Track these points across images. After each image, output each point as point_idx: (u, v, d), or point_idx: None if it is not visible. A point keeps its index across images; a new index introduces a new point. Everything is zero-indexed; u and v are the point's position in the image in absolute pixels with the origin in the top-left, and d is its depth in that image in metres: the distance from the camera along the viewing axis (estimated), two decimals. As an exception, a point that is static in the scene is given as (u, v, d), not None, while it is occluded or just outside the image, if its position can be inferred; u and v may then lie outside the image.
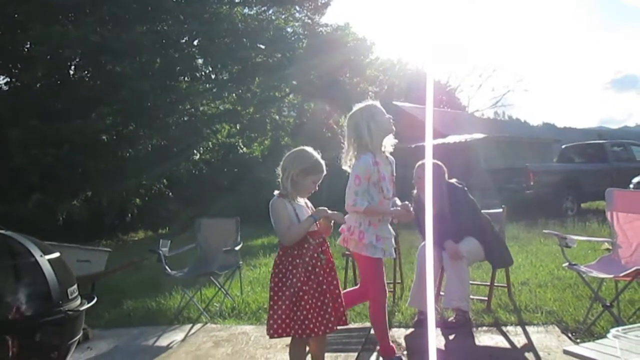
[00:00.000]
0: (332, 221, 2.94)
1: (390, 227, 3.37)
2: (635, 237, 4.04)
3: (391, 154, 3.44)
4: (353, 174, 3.22)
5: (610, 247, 4.27)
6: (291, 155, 2.92)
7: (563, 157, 14.48)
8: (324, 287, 2.81)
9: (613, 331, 1.57)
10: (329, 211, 2.89)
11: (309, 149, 2.93)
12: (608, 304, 3.71)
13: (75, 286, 3.36)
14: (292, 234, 2.79)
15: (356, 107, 3.39)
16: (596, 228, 8.40)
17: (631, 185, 10.06)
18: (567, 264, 3.91)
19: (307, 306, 2.75)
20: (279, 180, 2.91)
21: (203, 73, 16.64)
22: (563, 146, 15.51)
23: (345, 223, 3.11)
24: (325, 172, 2.91)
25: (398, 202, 3.38)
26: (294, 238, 2.80)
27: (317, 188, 2.93)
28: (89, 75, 15.21)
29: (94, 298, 3.46)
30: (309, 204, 3.00)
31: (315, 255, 2.83)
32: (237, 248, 5.32)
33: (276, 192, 2.91)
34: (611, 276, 3.77)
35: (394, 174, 3.40)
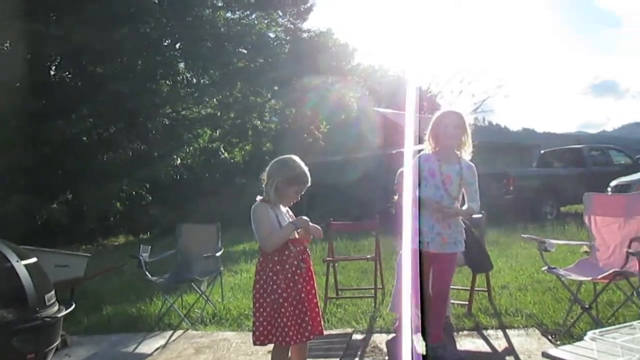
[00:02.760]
0: (311, 236, 2.94)
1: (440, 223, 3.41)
2: (612, 240, 4.11)
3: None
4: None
5: (589, 250, 4.33)
6: (277, 163, 2.92)
7: (542, 162, 14.67)
8: (303, 295, 2.82)
9: (590, 334, 1.60)
10: (310, 223, 2.88)
11: (296, 159, 2.92)
12: (587, 306, 3.76)
13: (53, 292, 3.30)
14: (273, 240, 2.79)
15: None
16: (575, 231, 8.51)
17: (609, 189, 10.23)
18: (546, 267, 3.96)
19: (288, 314, 2.74)
20: (263, 186, 2.90)
21: (184, 77, 16.55)
22: (542, 151, 15.73)
23: (320, 237, 3.11)
24: (309, 184, 2.90)
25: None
26: (275, 244, 2.79)
27: (299, 198, 2.93)
28: (69, 75, 15.02)
29: (72, 304, 3.40)
30: (290, 212, 3.00)
31: (296, 263, 2.82)
32: (218, 254, 5.28)
33: (259, 198, 2.90)
34: (589, 279, 3.83)
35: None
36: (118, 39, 12.71)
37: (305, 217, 2.87)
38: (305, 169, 2.89)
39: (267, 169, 2.92)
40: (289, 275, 2.79)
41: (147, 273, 4.92)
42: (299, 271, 2.82)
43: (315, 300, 2.91)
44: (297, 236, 2.87)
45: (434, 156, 3.42)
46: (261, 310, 2.78)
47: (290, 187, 2.85)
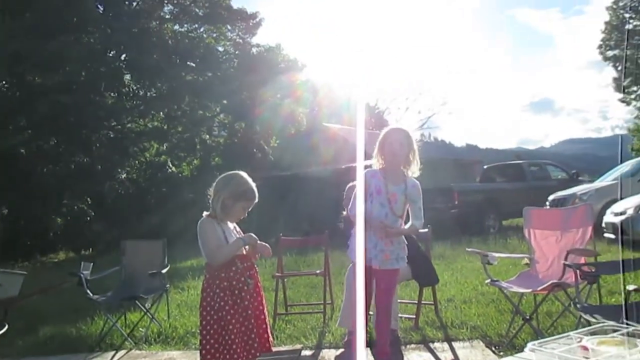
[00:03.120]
0: (259, 254, 2.91)
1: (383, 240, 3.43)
2: (551, 252, 4.28)
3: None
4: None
5: (529, 263, 4.49)
6: (224, 179, 2.89)
7: (485, 177, 15.16)
8: (249, 312, 2.79)
9: (530, 345, 1.64)
10: (259, 241, 2.86)
11: (244, 175, 2.90)
12: (528, 317, 3.88)
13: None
14: (220, 254, 2.75)
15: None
16: (516, 244, 8.80)
17: (547, 203, 10.67)
18: (489, 280, 4.07)
19: (235, 330, 2.71)
20: (210, 201, 2.87)
21: (130, 89, 16.17)
22: (485, 166, 16.26)
23: (268, 256, 3.09)
24: (257, 200, 2.88)
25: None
26: (222, 258, 2.76)
27: (246, 214, 2.90)
28: (6, 85, 14.39)
29: (4, 325, 3.23)
30: (238, 228, 2.97)
31: (242, 279, 2.79)
32: (164, 271, 5.14)
33: (205, 213, 2.87)
34: (530, 290, 3.96)
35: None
36: (60, 49, 12.31)
37: (253, 235, 2.85)
38: (253, 185, 2.87)
39: (214, 184, 2.88)
40: (236, 292, 2.76)
41: (88, 291, 4.73)
42: (245, 287, 2.79)
43: (262, 317, 2.88)
44: (244, 252, 2.84)
45: (381, 173, 3.47)
46: (208, 327, 2.73)
47: (236, 203, 2.82)
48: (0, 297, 4.50)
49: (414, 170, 3.48)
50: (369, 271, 3.39)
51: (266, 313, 2.94)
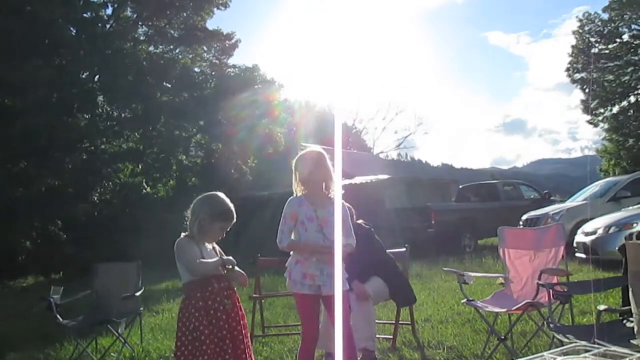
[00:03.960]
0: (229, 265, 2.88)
1: (328, 265, 3.29)
2: (525, 271, 4.32)
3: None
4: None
5: (504, 282, 4.53)
6: (202, 200, 2.89)
7: (460, 196, 15.35)
8: (224, 332, 2.75)
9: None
10: (237, 268, 2.84)
11: (221, 195, 2.90)
12: (502, 337, 3.90)
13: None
14: (200, 267, 2.75)
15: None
16: (491, 263, 8.88)
17: (520, 223, 10.83)
18: (465, 300, 4.09)
19: (209, 351, 2.68)
20: (187, 222, 2.86)
21: (104, 110, 16.03)
22: (460, 186, 16.47)
23: (244, 285, 3.05)
24: (235, 220, 2.88)
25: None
26: (202, 271, 2.75)
27: (224, 235, 2.89)
28: (-25, 109, 14.13)
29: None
30: (217, 247, 2.95)
31: (219, 299, 2.77)
32: (137, 293, 5.05)
33: (183, 234, 2.85)
34: (504, 310, 3.99)
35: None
36: (31, 71, 12.16)
37: (232, 259, 2.83)
38: (231, 205, 2.87)
39: (192, 205, 2.88)
40: (211, 312, 2.74)
41: (57, 315, 4.61)
42: (221, 307, 2.76)
43: (241, 337, 2.83)
44: (222, 273, 2.81)
45: (306, 200, 3.37)
46: (182, 349, 2.71)
47: (214, 223, 2.82)
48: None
49: (336, 190, 3.41)
50: (318, 300, 3.34)
51: (246, 334, 2.89)
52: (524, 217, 11.06)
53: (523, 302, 3.77)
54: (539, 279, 3.77)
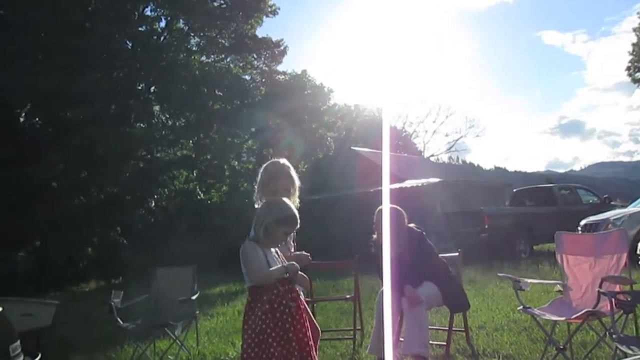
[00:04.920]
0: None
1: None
2: (584, 279, 4.16)
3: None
4: None
5: (562, 290, 4.37)
6: (268, 204, 2.94)
7: (515, 200, 14.92)
8: (290, 335, 2.77)
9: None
10: (301, 273, 2.88)
11: (286, 201, 2.95)
12: (561, 347, 3.77)
13: (18, 342, 3.18)
14: (264, 275, 2.78)
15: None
16: (548, 270, 8.60)
17: (579, 228, 10.42)
18: (521, 307, 3.97)
19: (276, 354, 2.70)
20: (252, 226, 2.90)
21: (159, 119, 16.58)
22: (515, 190, 16.02)
23: (307, 288, 3.08)
24: (298, 225, 2.91)
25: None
26: (266, 280, 2.78)
27: (288, 240, 2.92)
28: (40, 122, 14.90)
29: (37, 355, 3.29)
30: (279, 252, 2.99)
31: (284, 302, 2.79)
32: (193, 297, 5.18)
33: (248, 239, 2.90)
34: (563, 319, 3.85)
35: None
36: (89, 85, 12.73)
37: (296, 264, 2.87)
38: (295, 210, 2.91)
39: (257, 210, 2.93)
40: (277, 314, 2.76)
41: (118, 319, 4.79)
42: (287, 310, 2.78)
43: (306, 339, 2.84)
44: (286, 277, 2.85)
45: None
46: (249, 351, 2.73)
47: (279, 228, 2.85)
48: (32, 326, 4.60)
49: (295, 201, 3.35)
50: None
51: (310, 336, 2.91)
52: (583, 222, 10.62)
53: (583, 311, 3.63)
54: (600, 286, 3.62)
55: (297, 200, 3.36)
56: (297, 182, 3.41)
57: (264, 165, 3.52)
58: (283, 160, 3.50)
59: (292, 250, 3.35)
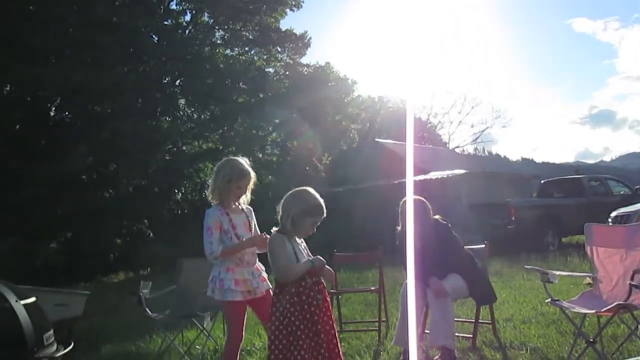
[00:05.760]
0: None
1: (254, 267, 3.39)
2: (615, 271, 4.07)
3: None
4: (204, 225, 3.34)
5: (592, 282, 4.29)
6: (293, 195, 2.93)
7: (543, 192, 14.67)
8: (319, 327, 2.78)
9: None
10: (327, 266, 2.89)
11: (311, 191, 2.93)
12: (591, 340, 3.70)
13: (52, 331, 3.27)
14: (290, 272, 2.79)
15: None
16: (577, 262, 8.45)
17: (609, 220, 10.20)
18: (549, 299, 3.91)
19: (305, 346, 2.71)
20: (279, 218, 2.91)
21: (185, 113, 16.75)
22: (542, 181, 15.75)
23: (332, 282, 3.10)
24: (325, 215, 2.90)
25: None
26: (291, 276, 2.79)
27: (314, 230, 2.92)
28: (69, 116, 15.20)
29: (70, 343, 3.37)
30: (304, 244, 2.99)
31: (312, 294, 2.80)
32: (219, 289, 5.23)
33: (274, 229, 2.92)
34: (593, 311, 3.78)
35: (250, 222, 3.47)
36: (116, 79, 12.92)
37: (321, 258, 2.87)
38: (321, 200, 2.90)
39: (282, 201, 2.92)
40: (305, 306, 2.77)
41: (147, 310, 4.87)
42: (314, 302, 2.79)
43: (332, 332, 2.86)
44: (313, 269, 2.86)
45: (224, 208, 3.40)
46: (277, 342, 2.74)
47: (305, 218, 2.85)
48: (65, 316, 4.71)
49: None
50: (258, 302, 3.39)
51: (335, 328, 2.93)
52: (614, 214, 10.38)
53: (614, 304, 3.55)
54: (632, 279, 3.54)
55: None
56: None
57: (225, 162, 3.56)
58: (239, 158, 3.53)
59: None
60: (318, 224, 2.92)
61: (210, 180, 3.47)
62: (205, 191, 4.11)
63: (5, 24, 12.57)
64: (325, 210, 2.90)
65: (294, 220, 2.84)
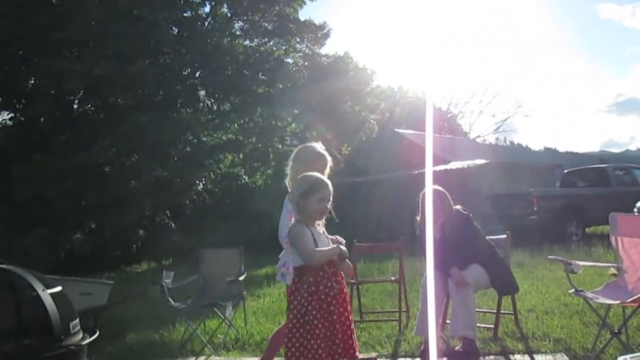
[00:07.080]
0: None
1: None
2: (640, 261, 4.01)
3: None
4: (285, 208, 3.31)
5: (616, 273, 4.23)
6: (293, 185, 2.96)
7: (566, 181, 14.46)
8: (335, 317, 2.80)
9: (621, 359, 1.56)
10: (347, 260, 2.90)
11: (308, 173, 2.95)
12: (616, 331, 3.66)
13: (78, 320, 3.34)
14: (317, 256, 2.78)
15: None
16: (601, 253, 8.34)
17: (635, 210, 10.01)
18: (573, 290, 3.87)
19: (321, 335, 2.73)
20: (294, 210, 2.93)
21: (205, 104, 16.84)
22: (566, 171, 15.52)
23: (350, 275, 3.09)
24: (330, 189, 2.86)
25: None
26: (319, 260, 2.79)
27: (328, 207, 2.86)
28: (92, 108, 15.39)
29: (96, 332, 3.43)
30: (326, 232, 2.98)
31: (329, 284, 2.81)
32: (240, 278, 5.29)
33: (293, 220, 2.94)
34: (618, 302, 3.73)
35: None
36: (138, 71, 13.03)
37: (345, 249, 2.87)
38: (320, 175, 2.91)
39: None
40: (322, 296, 2.78)
41: (169, 299, 4.95)
42: (331, 292, 2.81)
43: (347, 322, 2.87)
44: (334, 259, 2.87)
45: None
46: (294, 331, 2.76)
47: (308, 199, 2.82)
48: (90, 305, 4.81)
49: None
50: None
51: (351, 319, 2.94)
52: (639, 203, 10.21)
53: (639, 295, 3.50)
54: (658, 269, 3.48)
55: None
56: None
57: (304, 148, 3.57)
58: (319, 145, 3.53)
59: None
60: (328, 200, 2.85)
61: (288, 168, 3.48)
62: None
63: (29, 18, 12.77)
64: (328, 183, 2.87)
65: (300, 206, 2.84)
